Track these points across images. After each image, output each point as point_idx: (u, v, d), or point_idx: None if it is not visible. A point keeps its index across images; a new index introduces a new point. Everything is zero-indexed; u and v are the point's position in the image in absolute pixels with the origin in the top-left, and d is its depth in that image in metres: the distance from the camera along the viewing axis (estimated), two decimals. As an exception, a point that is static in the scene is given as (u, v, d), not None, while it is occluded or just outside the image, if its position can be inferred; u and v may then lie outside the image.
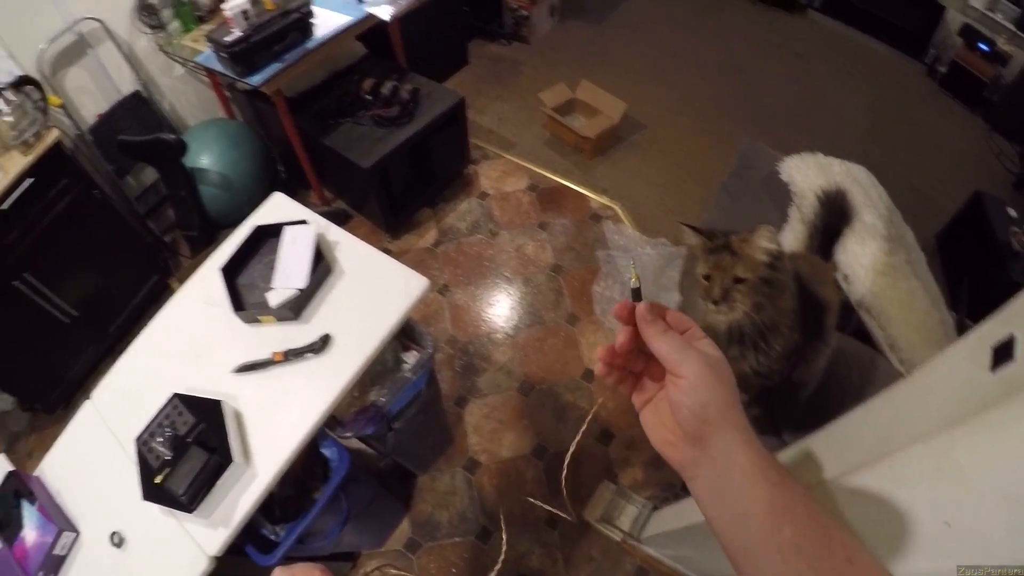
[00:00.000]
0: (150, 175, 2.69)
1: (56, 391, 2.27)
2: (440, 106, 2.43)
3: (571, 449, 1.95)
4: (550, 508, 1.86)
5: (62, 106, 2.28)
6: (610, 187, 2.74)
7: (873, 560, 0.39)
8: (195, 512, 1.09)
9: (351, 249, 1.45)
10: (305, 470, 1.33)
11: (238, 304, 1.33)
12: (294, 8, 2.10)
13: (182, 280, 2.64)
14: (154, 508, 1.10)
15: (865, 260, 1.59)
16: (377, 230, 2.66)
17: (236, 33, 2.03)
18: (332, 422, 1.36)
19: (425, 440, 1.88)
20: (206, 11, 2.44)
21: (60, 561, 1.14)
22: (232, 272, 1.39)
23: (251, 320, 1.33)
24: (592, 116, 2.89)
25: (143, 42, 2.51)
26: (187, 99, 2.77)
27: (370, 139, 2.33)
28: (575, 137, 2.83)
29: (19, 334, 2.07)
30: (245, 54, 2.06)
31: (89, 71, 2.40)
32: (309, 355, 1.26)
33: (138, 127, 2.46)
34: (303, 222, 1.43)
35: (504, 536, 1.83)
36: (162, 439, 1.14)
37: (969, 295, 2.13)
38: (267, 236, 1.46)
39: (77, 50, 2.34)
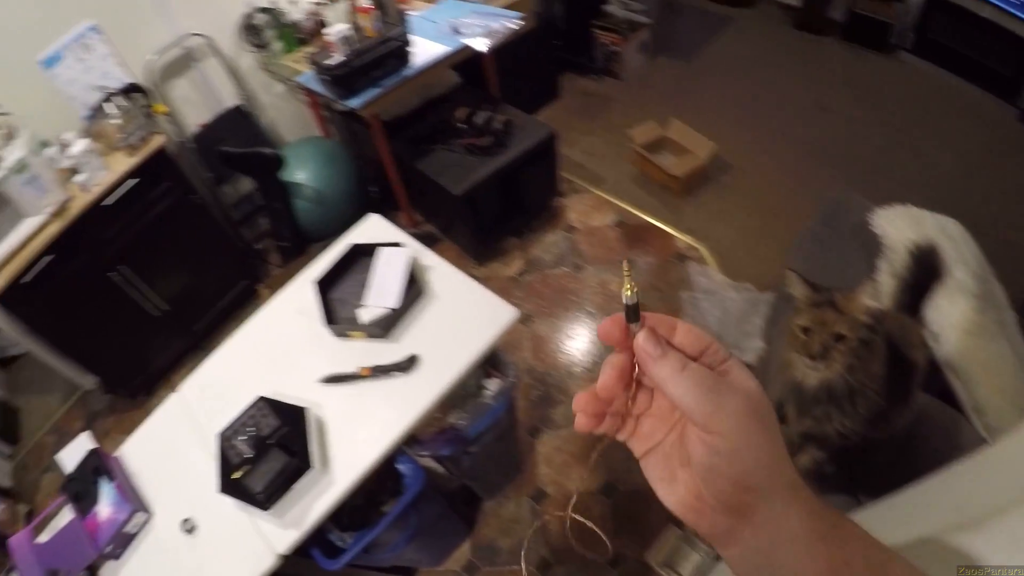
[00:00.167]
0: (246, 185, 2.81)
1: (139, 378, 2.39)
2: (531, 138, 2.43)
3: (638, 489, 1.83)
4: (608, 541, 1.77)
5: (167, 114, 2.44)
6: (696, 227, 2.65)
7: None
8: (269, 511, 1.11)
9: (443, 273, 1.44)
10: (377, 482, 1.32)
11: (330, 317, 1.35)
12: (393, 36, 2.16)
13: (271, 288, 2.75)
14: (228, 502, 1.12)
15: (954, 318, 1.50)
16: (464, 255, 2.67)
17: (338, 57, 2.11)
18: (410, 439, 1.36)
19: (497, 466, 1.86)
20: (307, 34, 2.57)
21: (130, 538, 1.19)
22: (326, 286, 1.41)
23: (341, 334, 1.35)
24: (681, 155, 2.83)
25: (246, 59, 2.66)
26: (285, 116, 2.91)
27: (461, 166, 2.35)
28: (663, 175, 2.77)
29: (111, 321, 2.19)
30: (346, 78, 2.13)
31: (194, 83, 2.57)
32: (395, 373, 1.27)
33: (238, 139, 2.58)
34: (398, 244, 1.44)
35: (563, 570, 1.77)
36: (244, 438, 1.17)
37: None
38: (361, 255, 1.48)
39: (184, 63, 2.51)
